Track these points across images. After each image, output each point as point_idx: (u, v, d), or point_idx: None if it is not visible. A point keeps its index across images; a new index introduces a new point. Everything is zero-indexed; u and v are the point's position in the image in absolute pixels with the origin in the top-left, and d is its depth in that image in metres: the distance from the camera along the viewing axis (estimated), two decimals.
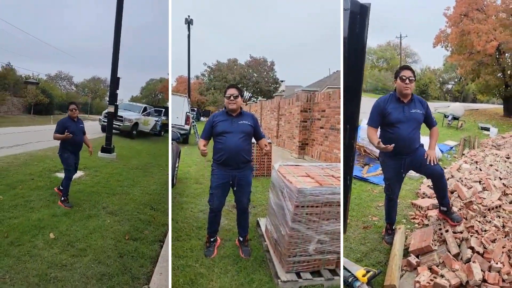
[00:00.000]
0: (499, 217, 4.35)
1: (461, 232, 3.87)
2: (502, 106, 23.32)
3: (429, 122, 4.08)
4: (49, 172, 7.54)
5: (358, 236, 4.49)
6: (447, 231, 3.99)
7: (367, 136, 4.00)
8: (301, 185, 3.45)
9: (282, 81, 39.34)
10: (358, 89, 3.87)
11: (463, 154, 9.47)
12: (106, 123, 11.48)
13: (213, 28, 69.69)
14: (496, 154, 8.21)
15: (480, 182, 5.61)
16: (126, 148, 12.84)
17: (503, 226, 4.13)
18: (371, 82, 46.97)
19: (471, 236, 3.76)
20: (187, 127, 15.45)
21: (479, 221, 4.09)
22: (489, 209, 4.45)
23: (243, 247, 4.11)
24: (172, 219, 4.88)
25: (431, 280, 3.28)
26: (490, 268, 3.33)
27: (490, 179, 5.65)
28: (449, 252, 3.65)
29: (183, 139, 14.70)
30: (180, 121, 15.29)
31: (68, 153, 5.68)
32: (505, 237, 3.88)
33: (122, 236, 4.61)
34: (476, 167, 6.83)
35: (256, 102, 24.11)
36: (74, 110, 5.74)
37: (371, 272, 3.43)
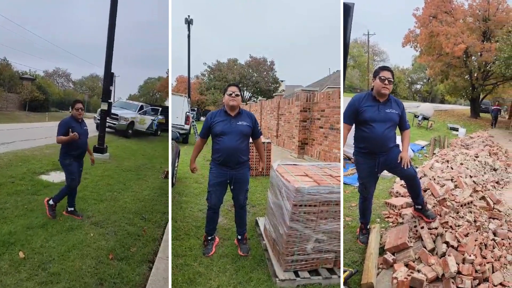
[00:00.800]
0: (471, 212, 4.51)
1: (436, 228, 3.97)
2: (469, 107, 24.15)
3: (403, 124, 4.06)
4: (33, 175, 6.92)
5: None
6: (422, 227, 4.08)
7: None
8: (299, 184, 3.45)
9: (282, 80, 39.56)
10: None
11: (434, 154, 9.76)
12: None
13: (213, 28, 69.57)
14: (466, 153, 8.50)
15: (452, 180, 5.79)
16: (120, 148, 12.34)
17: (475, 221, 4.29)
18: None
19: (445, 231, 3.87)
20: (187, 126, 15.38)
21: (452, 217, 4.21)
22: (461, 205, 4.60)
23: (242, 244, 4.11)
24: (172, 218, 4.81)
25: (408, 275, 3.34)
26: (464, 261, 3.42)
27: (461, 177, 5.84)
28: (425, 247, 3.73)
29: (182, 138, 14.65)
30: (180, 120, 15.17)
31: (71, 159, 4.90)
32: (476, 231, 4.04)
33: (105, 255, 3.99)
34: (448, 166, 7.04)
35: (256, 102, 24.11)
36: (80, 110, 4.95)
37: (348, 272, 3.46)
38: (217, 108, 32.83)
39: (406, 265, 3.58)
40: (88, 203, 5.70)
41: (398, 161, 3.90)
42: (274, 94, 25.70)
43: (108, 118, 11.72)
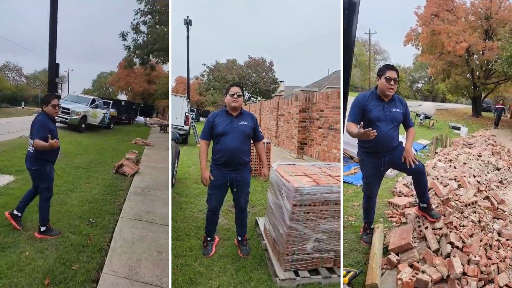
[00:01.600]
0: (475, 212, 4.48)
1: (441, 228, 3.94)
2: (470, 106, 24.09)
3: (407, 122, 4.05)
4: None
5: None
6: (426, 228, 4.05)
7: (347, 131, 3.88)
8: (298, 184, 3.45)
9: (281, 81, 39.38)
10: (346, 87, 3.88)
11: (436, 153, 9.72)
12: None
13: (212, 28, 69.53)
14: (469, 153, 8.47)
15: (455, 179, 5.75)
16: (72, 144, 11.64)
17: (479, 221, 4.26)
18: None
19: (450, 231, 3.84)
20: (186, 127, 15.28)
21: (457, 217, 4.19)
22: (465, 205, 4.57)
23: (242, 246, 4.08)
24: (172, 219, 4.78)
25: (413, 276, 3.32)
26: (469, 261, 3.40)
27: (465, 176, 5.80)
28: (429, 248, 3.70)
29: (182, 139, 14.57)
30: (180, 121, 15.11)
31: (50, 165, 4.40)
32: (481, 231, 4.01)
33: (41, 280, 3.35)
34: (451, 165, 7.00)
35: (255, 103, 24.13)
36: (57, 108, 4.45)
37: (352, 273, 3.43)
38: (217, 108, 32.89)
39: (411, 266, 3.55)
40: (30, 210, 4.69)
41: (402, 161, 3.87)
42: (273, 95, 25.68)
43: (60, 113, 11.49)
